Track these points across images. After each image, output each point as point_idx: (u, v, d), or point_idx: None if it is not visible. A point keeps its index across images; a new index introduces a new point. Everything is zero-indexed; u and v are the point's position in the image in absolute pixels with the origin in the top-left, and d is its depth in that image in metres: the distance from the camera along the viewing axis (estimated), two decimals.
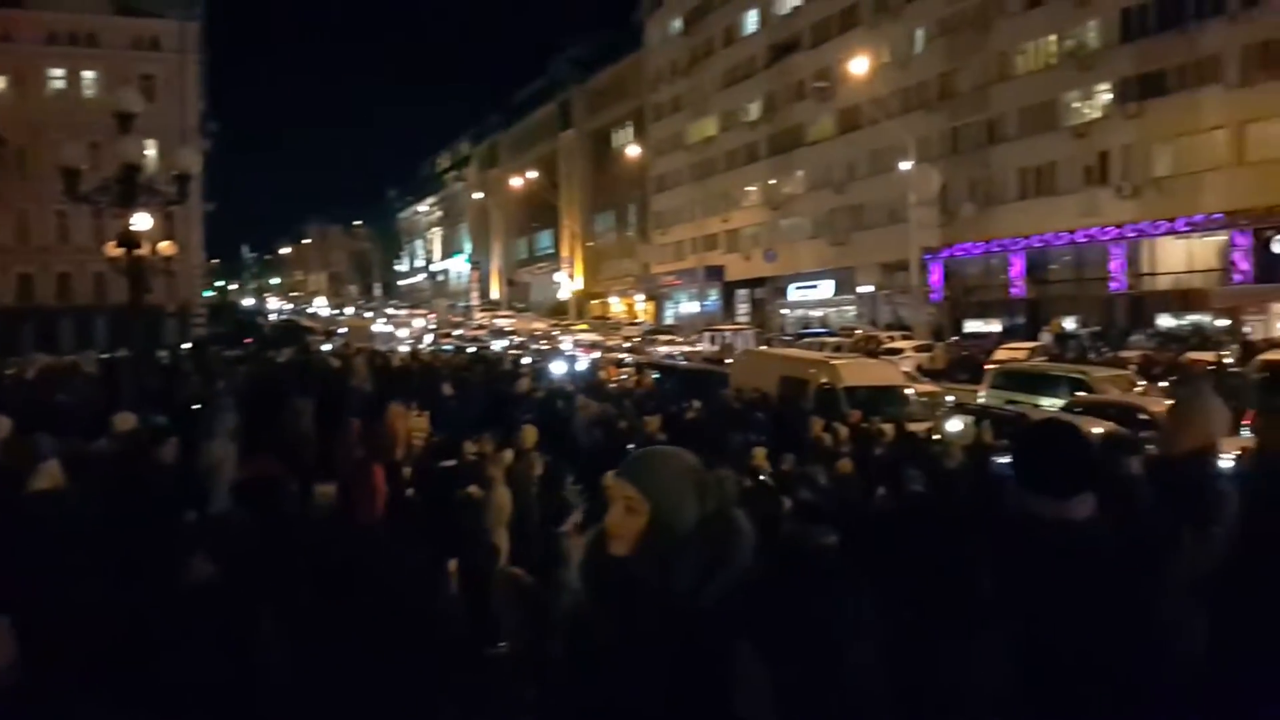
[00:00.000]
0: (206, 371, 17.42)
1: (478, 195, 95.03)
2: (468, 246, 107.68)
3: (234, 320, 59.69)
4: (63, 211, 44.02)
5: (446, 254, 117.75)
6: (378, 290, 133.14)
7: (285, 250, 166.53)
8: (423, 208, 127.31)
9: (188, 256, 46.92)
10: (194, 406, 8.32)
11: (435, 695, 4.39)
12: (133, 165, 11.36)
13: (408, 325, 64.92)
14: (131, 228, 10.99)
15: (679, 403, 14.93)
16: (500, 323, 63.00)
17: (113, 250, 11.36)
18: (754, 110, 59.33)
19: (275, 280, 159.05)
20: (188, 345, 34.76)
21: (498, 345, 43.14)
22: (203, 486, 5.20)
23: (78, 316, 46.64)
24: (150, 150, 31.48)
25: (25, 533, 3.25)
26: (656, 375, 21.35)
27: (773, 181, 57.36)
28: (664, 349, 39.75)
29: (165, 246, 14.80)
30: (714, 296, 61.99)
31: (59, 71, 52.58)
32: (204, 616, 3.93)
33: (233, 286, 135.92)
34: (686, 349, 39.74)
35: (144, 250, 11.46)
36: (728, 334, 41.46)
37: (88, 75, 52.38)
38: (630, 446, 8.88)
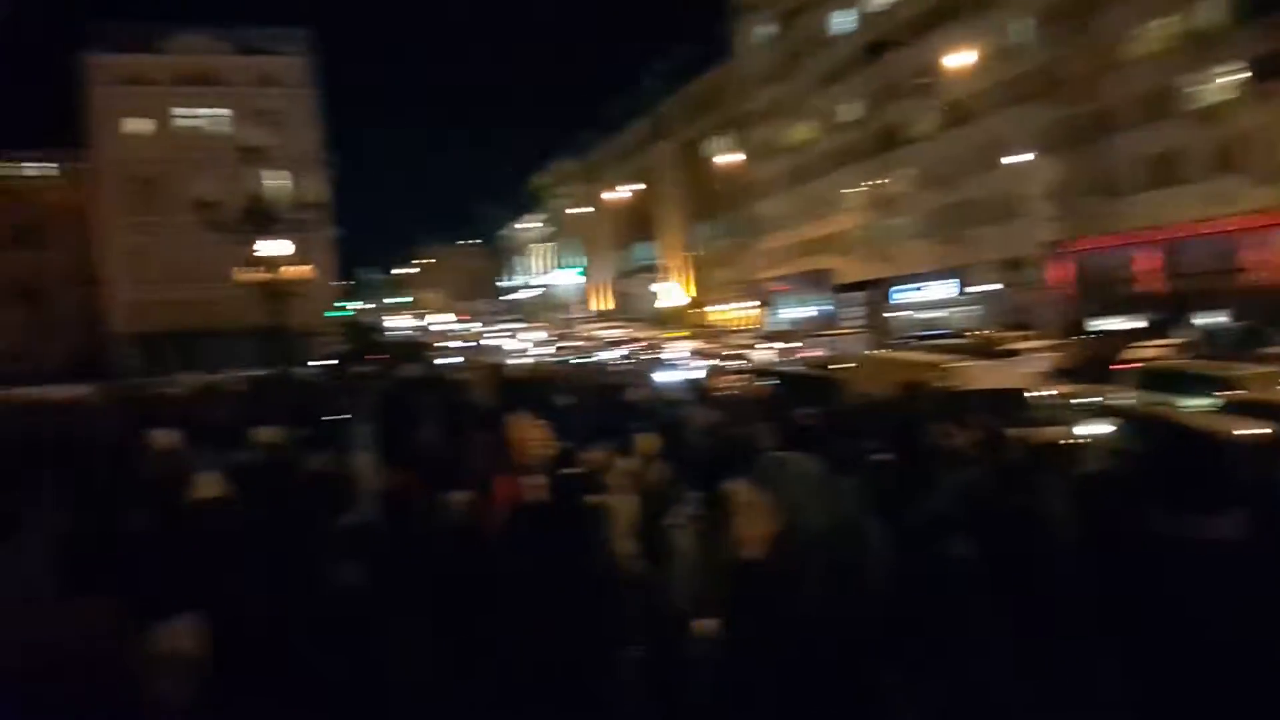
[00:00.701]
0: (344, 387, 18.14)
1: (580, 210, 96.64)
2: (575, 260, 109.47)
3: (365, 338, 61.78)
4: (203, 241, 46.45)
5: (553, 267, 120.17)
6: (493, 305, 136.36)
7: (404, 270, 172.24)
8: (528, 224, 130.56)
9: (320, 279, 49.17)
10: (334, 420, 8.66)
11: (567, 698, 4.48)
12: (262, 196, 11.98)
13: (525, 338, 66.51)
14: (267, 254, 11.58)
15: (793, 409, 14.79)
16: (610, 333, 63.59)
17: (251, 276, 11.99)
18: (853, 110, 58.32)
19: (398, 299, 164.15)
20: (326, 362, 36.15)
21: (609, 355, 43.61)
22: (347, 496, 5.45)
23: (221, 338, 49.01)
24: (281, 181, 33.05)
25: (202, 538, 3.48)
26: (771, 381, 21.20)
27: (877, 181, 56.25)
28: (775, 355, 39.45)
29: (301, 270, 15.50)
30: (823, 300, 61.22)
31: (188, 111, 55.92)
32: (352, 619, 4.14)
33: (360, 306, 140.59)
34: (798, 354, 39.35)
35: (281, 274, 12.05)
36: (839, 338, 40.84)
37: (216, 113, 55.61)
38: (745, 454, 8.81)
